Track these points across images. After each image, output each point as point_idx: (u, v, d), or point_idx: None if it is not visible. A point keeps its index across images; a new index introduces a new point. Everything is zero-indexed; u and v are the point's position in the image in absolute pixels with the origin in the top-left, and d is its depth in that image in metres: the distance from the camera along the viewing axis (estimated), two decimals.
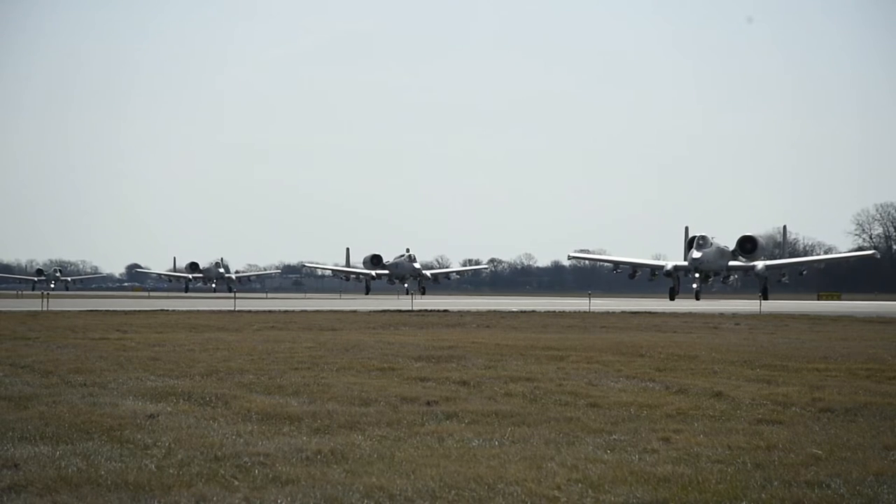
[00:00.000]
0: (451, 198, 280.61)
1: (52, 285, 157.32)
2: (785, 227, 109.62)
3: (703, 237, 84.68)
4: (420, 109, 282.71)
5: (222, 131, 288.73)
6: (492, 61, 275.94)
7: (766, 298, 74.36)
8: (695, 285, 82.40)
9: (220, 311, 38.83)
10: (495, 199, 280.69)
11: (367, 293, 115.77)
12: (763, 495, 7.47)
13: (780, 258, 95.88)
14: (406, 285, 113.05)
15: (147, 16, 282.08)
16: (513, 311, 41.27)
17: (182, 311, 38.55)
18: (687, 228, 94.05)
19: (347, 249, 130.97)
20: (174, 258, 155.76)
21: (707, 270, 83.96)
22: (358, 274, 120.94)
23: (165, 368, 15.57)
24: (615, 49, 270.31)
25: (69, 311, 38.77)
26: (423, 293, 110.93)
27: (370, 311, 39.92)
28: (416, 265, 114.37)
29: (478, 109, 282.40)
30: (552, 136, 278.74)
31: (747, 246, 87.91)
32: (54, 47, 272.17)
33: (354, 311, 39.59)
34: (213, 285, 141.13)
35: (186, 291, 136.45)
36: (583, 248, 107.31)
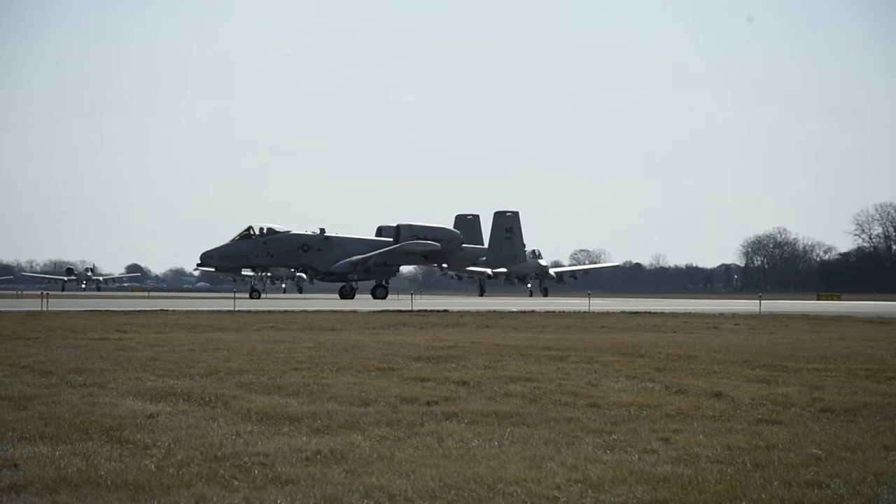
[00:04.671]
0: (449, 198, 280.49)
1: (83, 286, 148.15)
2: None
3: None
4: (417, 109, 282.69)
5: (223, 131, 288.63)
6: (492, 61, 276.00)
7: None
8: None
9: (219, 312, 38.82)
10: (497, 199, 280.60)
11: (481, 294, 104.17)
12: (763, 495, 7.48)
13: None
14: (529, 286, 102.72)
15: (147, 16, 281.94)
16: (512, 312, 41.25)
17: (182, 312, 38.54)
18: None
19: None
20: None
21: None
22: (472, 272, 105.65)
23: (165, 368, 15.57)
24: (615, 49, 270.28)
25: (69, 311, 38.75)
26: (546, 294, 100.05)
27: (370, 312, 39.91)
28: (543, 262, 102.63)
29: (477, 108, 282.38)
30: (551, 136, 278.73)
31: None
32: (55, 47, 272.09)
33: (354, 312, 39.58)
34: (283, 285, 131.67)
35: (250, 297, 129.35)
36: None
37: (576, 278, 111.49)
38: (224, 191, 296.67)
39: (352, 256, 70.54)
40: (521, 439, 9.54)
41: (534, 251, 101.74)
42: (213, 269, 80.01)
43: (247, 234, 69.87)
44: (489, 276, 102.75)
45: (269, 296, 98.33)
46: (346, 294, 71.68)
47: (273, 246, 69.75)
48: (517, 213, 77.28)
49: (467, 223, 77.56)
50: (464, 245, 74.29)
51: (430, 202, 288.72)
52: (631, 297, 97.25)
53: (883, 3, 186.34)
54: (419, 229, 71.62)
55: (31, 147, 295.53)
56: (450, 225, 77.37)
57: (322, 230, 71.67)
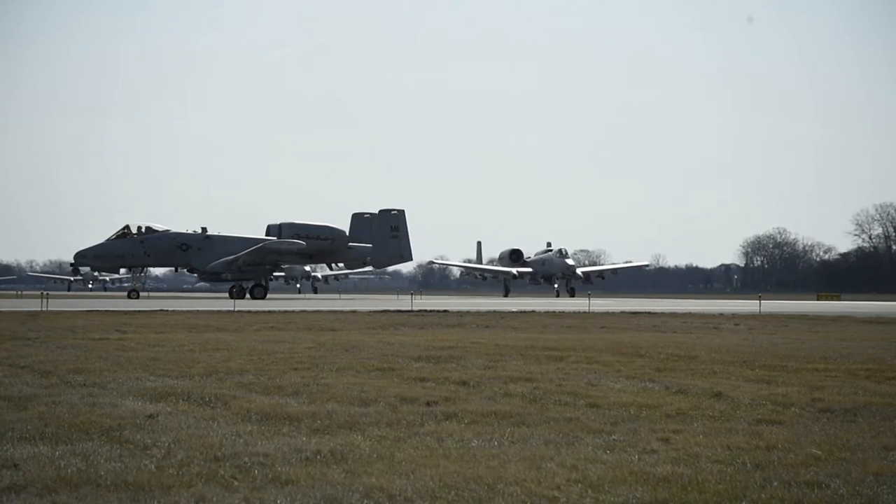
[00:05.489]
0: (449, 198, 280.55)
1: (91, 285, 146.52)
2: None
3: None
4: (418, 109, 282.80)
5: (223, 131, 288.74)
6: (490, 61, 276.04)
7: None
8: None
9: (219, 312, 38.82)
10: (493, 200, 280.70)
11: (505, 295, 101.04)
12: (763, 495, 7.48)
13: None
14: (556, 286, 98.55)
15: (146, 16, 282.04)
16: (512, 312, 41.26)
17: (181, 312, 38.54)
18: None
19: (479, 244, 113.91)
20: None
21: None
22: (496, 272, 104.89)
23: (165, 368, 15.57)
24: (615, 49, 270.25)
25: (69, 311, 38.76)
26: (573, 295, 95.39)
27: (370, 312, 39.91)
28: (570, 262, 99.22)
29: (477, 108, 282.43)
30: (551, 136, 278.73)
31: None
32: (55, 48, 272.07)
33: (354, 312, 39.59)
34: (298, 286, 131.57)
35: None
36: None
37: (603, 278, 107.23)
38: (224, 191, 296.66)
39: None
40: (521, 439, 9.54)
41: (560, 250, 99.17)
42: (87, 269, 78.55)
43: (123, 233, 68.81)
44: (514, 276, 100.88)
45: (269, 296, 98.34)
46: (236, 295, 70.45)
47: (151, 245, 68.84)
48: (403, 211, 76.23)
49: (364, 221, 76.31)
50: (351, 244, 73.33)
51: (430, 202, 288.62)
52: (631, 298, 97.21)
53: (883, 3, 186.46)
54: (302, 228, 70.90)
55: (31, 147, 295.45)
56: (345, 223, 75.71)
57: (204, 229, 70.76)
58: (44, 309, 40.24)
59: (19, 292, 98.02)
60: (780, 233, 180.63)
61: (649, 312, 42.27)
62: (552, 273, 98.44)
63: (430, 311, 40.86)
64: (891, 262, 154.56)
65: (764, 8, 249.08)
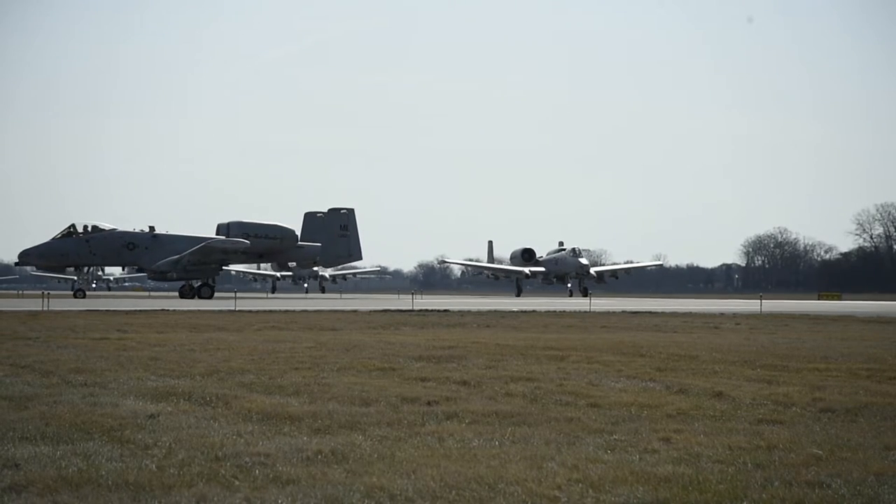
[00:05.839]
0: (446, 197, 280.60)
1: (94, 285, 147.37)
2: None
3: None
4: (418, 109, 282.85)
5: (224, 131, 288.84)
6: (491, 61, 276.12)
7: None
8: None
9: (220, 311, 38.82)
10: (494, 200, 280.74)
11: (518, 294, 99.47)
12: (764, 495, 7.47)
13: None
14: (569, 286, 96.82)
15: (146, 16, 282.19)
16: (513, 311, 41.25)
17: (182, 311, 38.54)
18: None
19: (490, 243, 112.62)
20: None
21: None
22: (508, 272, 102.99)
23: (166, 368, 15.57)
24: (615, 49, 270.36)
25: (70, 311, 38.75)
26: (586, 294, 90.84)
27: (370, 311, 39.91)
28: (584, 261, 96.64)
29: (477, 107, 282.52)
30: (551, 135, 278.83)
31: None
32: (55, 48, 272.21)
33: (355, 311, 39.58)
34: (306, 285, 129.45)
35: (273, 291, 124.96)
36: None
37: (616, 277, 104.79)
38: (225, 191, 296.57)
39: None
40: (522, 439, 9.54)
41: (574, 249, 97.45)
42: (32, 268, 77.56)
43: (69, 233, 68.11)
44: (527, 275, 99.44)
45: (270, 296, 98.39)
46: (186, 294, 70.14)
47: (96, 244, 68.18)
48: (353, 210, 75.70)
49: (316, 221, 75.86)
50: (301, 243, 72.59)
51: (431, 202, 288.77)
52: (632, 297, 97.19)
53: (883, 3, 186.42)
54: (250, 227, 70.41)
55: (32, 147, 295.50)
56: (297, 223, 75.04)
57: (151, 228, 70.24)
58: (44, 309, 40.25)
59: (20, 292, 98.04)
60: (781, 232, 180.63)
61: (650, 312, 42.27)
62: (565, 272, 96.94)
63: (431, 310, 40.86)
64: (892, 261, 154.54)
65: (764, 8, 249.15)
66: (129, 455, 8.67)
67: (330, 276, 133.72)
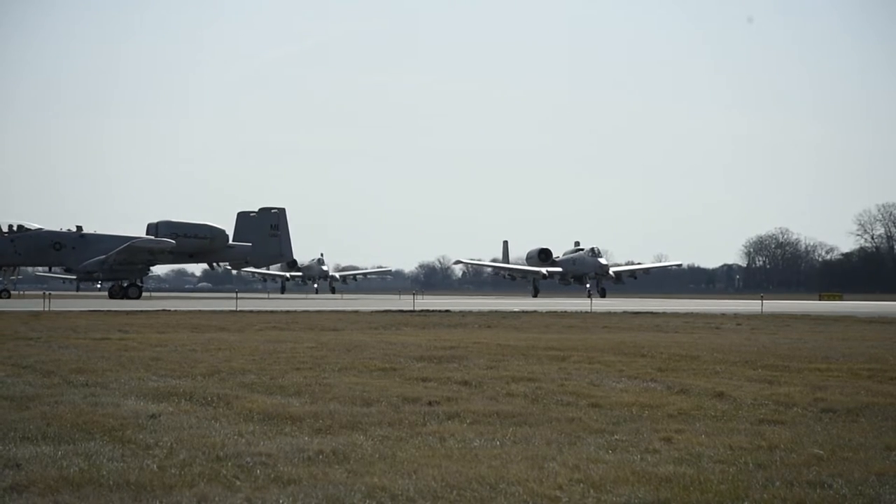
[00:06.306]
0: (446, 197, 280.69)
1: (99, 286, 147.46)
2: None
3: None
4: (418, 109, 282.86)
5: (224, 131, 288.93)
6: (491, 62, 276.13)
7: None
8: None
9: (222, 312, 38.85)
10: (496, 198, 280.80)
11: (535, 295, 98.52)
12: (765, 495, 7.47)
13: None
14: (588, 286, 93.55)
15: (146, 16, 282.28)
16: (514, 312, 41.25)
17: (184, 312, 38.56)
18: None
19: (505, 243, 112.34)
20: None
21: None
22: (525, 272, 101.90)
23: (167, 368, 15.58)
24: (615, 49, 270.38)
25: (71, 311, 38.77)
26: (604, 295, 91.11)
27: (372, 312, 39.92)
28: (603, 261, 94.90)
29: (477, 107, 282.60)
30: (551, 135, 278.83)
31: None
32: (55, 48, 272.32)
33: (356, 312, 39.59)
34: (315, 285, 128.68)
35: (283, 292, 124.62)
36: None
37: (635, 278, 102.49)
38: (225, 191, 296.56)
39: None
40: (524, 439, 9.54)
41: (592, 249, 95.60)
42: None
43: None
44: (544, 276, 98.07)
45: (271, 296, 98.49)
46: (115, 294, 69.58)
47: (22, 244, 67.35)
48: (283, 209, 75.30)
49: (249, 220, 75.52)
50: (232, 243, 72.35)
51: (431, 202, 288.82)
52: (632, 297, 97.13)
53: (883, 3, 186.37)
54: (179, 226, 70.04)
55: (31, 147, 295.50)
56: (230, 223, 74.77)
57: (79, 227, 69.56)
58: (46, 309, 40.26)
59: (21, 292, 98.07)
60: (782, 233, 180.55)
61: (651, 312, 42.27)
62: (584, 272, 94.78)
63: (432, 311, 40.87)
64: (893, 262, 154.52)
65: (764, 8, 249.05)
66: (130, 455, 8.67)
67: (340, 276, 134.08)
